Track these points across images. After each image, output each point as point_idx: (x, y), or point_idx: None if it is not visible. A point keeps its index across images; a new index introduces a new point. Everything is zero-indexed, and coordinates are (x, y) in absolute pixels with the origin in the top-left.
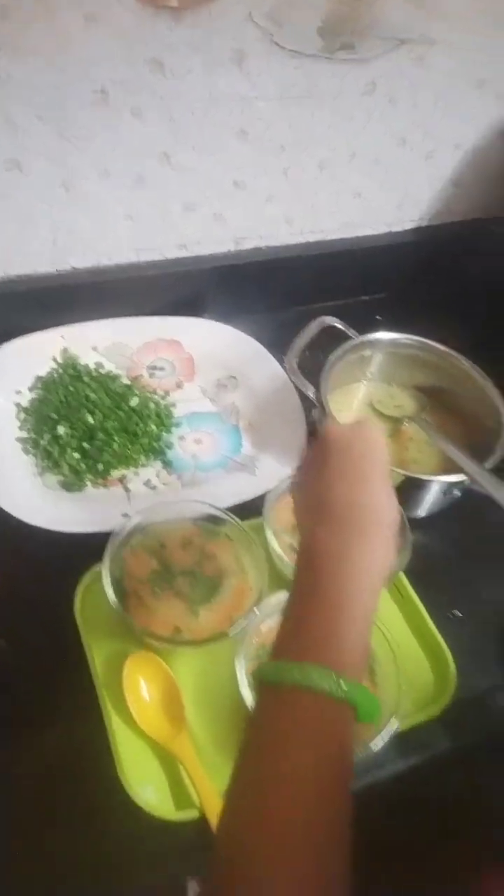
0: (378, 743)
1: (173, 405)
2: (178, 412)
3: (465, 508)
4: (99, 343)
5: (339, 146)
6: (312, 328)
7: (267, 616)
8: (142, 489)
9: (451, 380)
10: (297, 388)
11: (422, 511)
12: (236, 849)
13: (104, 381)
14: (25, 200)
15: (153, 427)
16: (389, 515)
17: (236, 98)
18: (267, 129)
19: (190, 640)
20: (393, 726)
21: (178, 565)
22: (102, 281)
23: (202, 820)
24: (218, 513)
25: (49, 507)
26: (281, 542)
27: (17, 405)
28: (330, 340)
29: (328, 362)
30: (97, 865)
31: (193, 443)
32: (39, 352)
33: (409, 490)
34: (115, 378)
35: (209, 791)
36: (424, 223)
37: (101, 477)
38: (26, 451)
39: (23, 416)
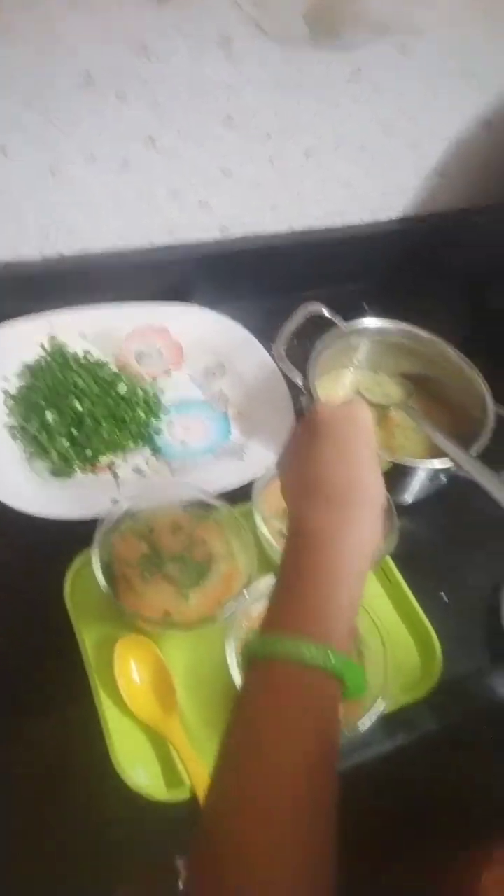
0: (365, 723)
1: (161, 392)
2: (166, 399)
3: (452, 495)
4: (86, 330)
5: (325, 134)
6: (299, 315)
7: (256, 600)
8: (131, 475)
9: (438, 367)
10: (284, 374)
11: (409, 497)
12: (221, 824)
13: (92, 368)
14: (11, 186)
15: (141, 414)
16: (377, 494)
17: (222, 84)
18: (253, 115)
19: (180, 623)
20: (379, 707)
21: (168, 550)
22: (89, 267)
23: (193, 800)
24: (207, 498)
25: (38, 494)
26: (270, 528)
27: (5, 392)
28: (317, 328)
29: (315, 350)
30: (90, 847)
31: (182, 429)
32: (26, 339)
33: (396, 476)
34: (102, 365)
35: (199, 771)
36: (410, 212)
37: (90, 463)
38: (14, 438)
39: (10, 402)
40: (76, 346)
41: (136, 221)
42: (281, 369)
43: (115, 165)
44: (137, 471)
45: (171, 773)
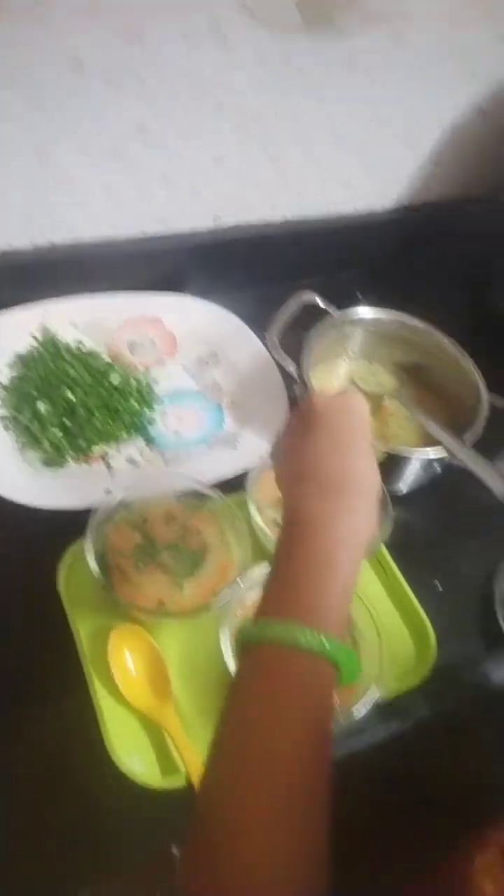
0: (360, 710)
1: (155, 382)
2: (159, 389)
3: (446, 483)
4: (78, 320)
5: (319, 123)
6: (293, 305)
7: (250, 588)
8: (124, 465)
9: (431, 356)
10: (278, 364)
11: (403, 486)
12: (215, 811)
13: (84, 358)
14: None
15: (134, 404)
16: (372, 483)
17: (214, 71)
18: (245, 103)
19: (174, 612)
20: (374, 695)
21: (162, 540)
22: (81, 257)
23: (189, 788)
24: (201, 488)
25: (31, 484)
26: (264, 517)
27: None
28: (310, 317)
29: (309, 339)
30: (87, 835)
31: (175, 419)
32: (18, 329)
33: (390, 465)
34: (95, 355)
35: (194, 759)
36: (405, 201)
37: (83, 454)
38: (6, 428)
39: (2, 393)
40: (68, 336)
41: (127, 210)
42: (275, 358)
43: (105, 154)
44: (131, 461)
45: (166, 761)
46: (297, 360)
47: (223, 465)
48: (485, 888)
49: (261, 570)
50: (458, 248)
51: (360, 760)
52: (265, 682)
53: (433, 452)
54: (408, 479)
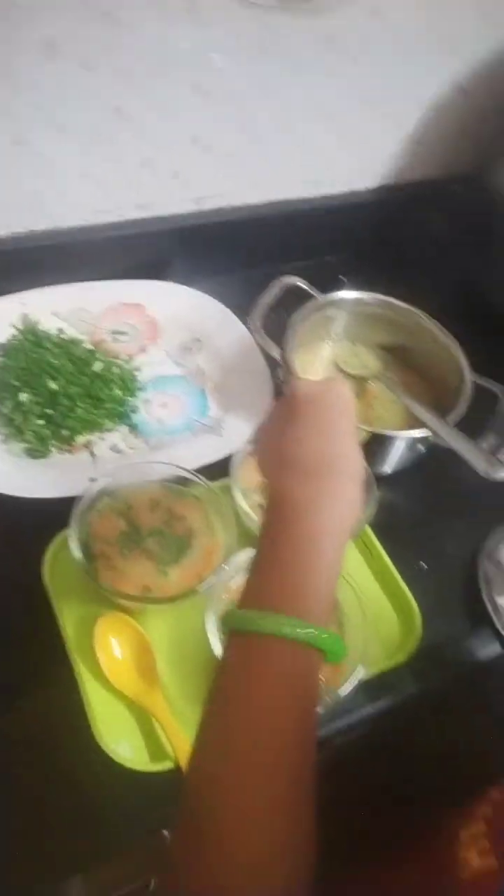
0: (346, 689)
1: (138, 369)
2: (143, 376)
3: (430, 464)
4: (60, 308)
5: (298, 102)
6: (275, 288)
7: (236, 573)
8: (108, 454)
9: (415, 338)
10: (261, 348)
11: (388, 467)
12: (203, 798)
13: (66, 347)
14: None
15: (118, 392)
16: (356, 467)
17: (191, 51)
18: (223, 83)
19: (160, 598)
20: (360, 674)
21: (147, 526)
22: (60, 244)
23: (178, 772)
24: (185, 474)
25: (14, 475)
26: (249, 501)
27: None
28: (294, 300)
29: (292, 322)
30: (78, 822)
31: (159, 406)
32: None
33: (375, 447)
34: (77, 343)
35: (182, 742)
36: (387, 181)
37: (67, 443)
38: None
39: None
40: (49, 325)
41: (107, 195)
42: (258, 342)
43: (82, 138)
44: (115, 449)
45: (155, 746)
46: (281, 345)
47: (208, 451)
48: (470, 860)
49: (246, 555)
50: (442, 228)
51: (348, 738)
52: (250, 671)
53: (417, 433)
54: (392, 460)
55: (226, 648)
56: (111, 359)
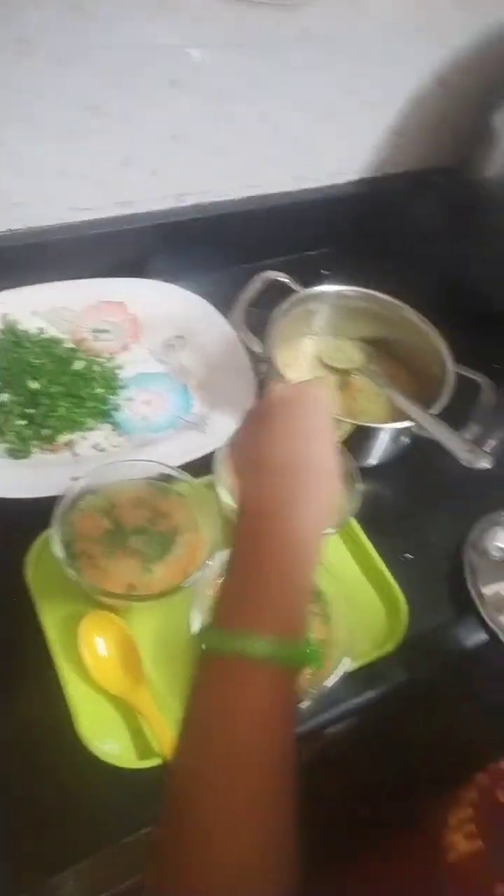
0: (332, 681)
1: (120, 367)
2: (125, 374)
3: (415, 455)
4: (40, 307)
5: (277, 95)
6: (257, 283)
7: (221, 569)
8: (91, 453)
9: (397, 330)
10: (244, 344)
11: (373, 459)
12: (182, 818)
13: (47, 346)
14: None
15: (99, 390)
16: (329, 469)
17: (166, 46)
18: (200, 78)
19: (144, 596)
20: (346, 666)
21: (130, 524)
22: (40, 242)
23: (165, 768)
24: (169, 471)
25: None
26: (233, 497)
27: None
28: (277, 295)
29: (274, 317)
30: (65, 820)
31: (142, 404)
32: None
33: (359, 439)
34: (58, 342)
35: (170, 738)
36: (369, 174)
37: (49, 442)
38: None
39: None
40: (30, 325)
41: (86, 192)
42: (240, 338)
43: (59, 135)
44: (97, 448)
45: (142, 744)
46: (263, 340)
47: (192, 447)
48: (458, 844)
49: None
50: (424, 220)
51: (336, 730)
52: (224, 692)
53: (401, 425)
54: (377, 452)
55: (200, 667)
56: (93, 357)
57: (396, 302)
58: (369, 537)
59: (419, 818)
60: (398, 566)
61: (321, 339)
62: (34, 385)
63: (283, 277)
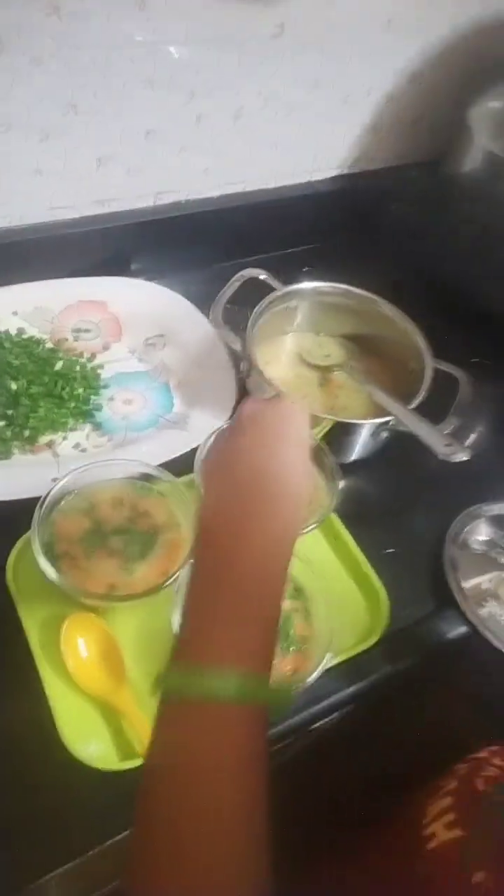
0: (314, 677)
1: (101, 367)
2: (106, 373)
3: (395, 450)
4: (19, 308)
5: (252, 92)
6: (237, 282)
7: None
8: (71, 453)
9: (376, 325)
10: (224, 342)
11: (353, 455)
12: (155, 845)
13: (27, 347)
14: None
15: (80, 390)
16: (297, 486)
17: (140, 43)
18: (175, 75)
19: (125, 596)
20: (327, 661)
21: (111, 524)
22: (17, 242)
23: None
24: (149, 470)
25: None
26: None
27: None
28: (257, 293)
29: (253, 315)
30: (47, 823)
31: (123, 403)
32: None
33: (339, 436)
34: (38, 343)
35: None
36: (346, 171)
37: (29, 443)
38: None
39: None
40: (9, 325)
41: (63, 192)
42: (219, 336)
43: (34, 134)
44: (78, 448)
45: (125, 745)
46: (243, 338)
47: (173, 446)
48: (437, 833)
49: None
50: (402, 216)
51: (321, 725)
52: (193, 736)
53: (380, 420)
54: (357, 447)
55: (163, 709)
56: (73, 357)
57: (375, 298)
58: (350, 532)
59: (401, 808)
60: (379, 561)
61: (301, 335)
62: (14, 386)
63: (262, 275)
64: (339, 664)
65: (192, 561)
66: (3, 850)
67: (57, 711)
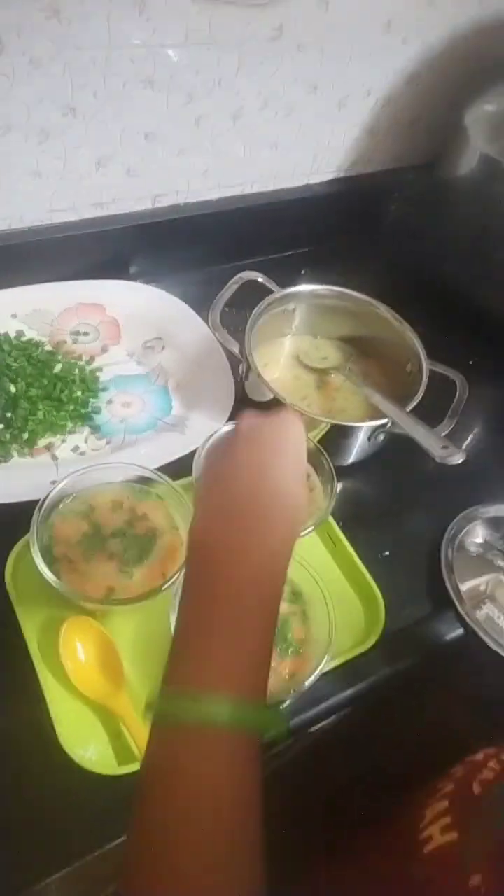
0: (311, 680)
1: (99, 370)
2: (104, 376)
3: (393, 453)
4: (18, 310)
5: (250, 95)
6: (234, 284)
7: None
8: (70, 456)
9: (373, 328)
10: (223, 345)
11: (350, 458)
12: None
13: (26, 349)
14: None
15: (79, 393)
16: (292, 505)
17: (139, 45)
18: (173, 77)
19: (124, 599)
20: (325, 665)
21: (109, 527)
22: (16, 244)
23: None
24: (147, 473)
25: None
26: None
27: None
28: (255, 296)
29: (252, 317)
30: (45, 827)
31: (122, 406)
32: None
33: (336, 438)
34: (37, 345)
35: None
36: (343, 173)
37: (28, 446)
38: None
39: None
40: (8, 328)
41: (62, 194)
42: (218, 339)
43: (32, 136)
44: (77, 451)
45: (123, 749)
46: (242, 340)
47: (170, 449)
48: (434, 836)
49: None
50: (399, 218)
51: (319, 727)
52: (181, 758)
53: (376, 423)
54: (355, 450)
55: (155, 734)
56: (72, 360)
57: (371, 300)
58: (347, 535)
59: (400, 808)
60: (377, 563)
61: (299, 338)
62: (13, 388)
63: (260, 278)
64: (338, 667)
65: (184, 574)
66: (1, 854)
67: (55, 715)
